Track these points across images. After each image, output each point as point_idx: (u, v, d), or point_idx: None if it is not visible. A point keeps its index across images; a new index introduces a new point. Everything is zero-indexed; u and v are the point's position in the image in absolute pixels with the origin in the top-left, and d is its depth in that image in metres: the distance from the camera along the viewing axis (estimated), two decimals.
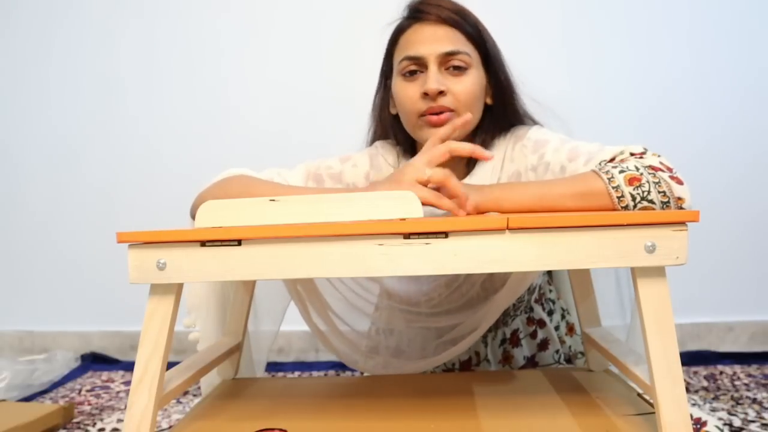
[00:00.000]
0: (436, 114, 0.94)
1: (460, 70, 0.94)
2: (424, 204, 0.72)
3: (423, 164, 0.80)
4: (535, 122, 1.03)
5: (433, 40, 0.94)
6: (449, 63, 0.94)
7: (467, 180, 0.99)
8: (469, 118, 0.89)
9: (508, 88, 1.01)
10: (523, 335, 1.16)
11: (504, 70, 1.01)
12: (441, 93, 0.93)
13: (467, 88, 0.94)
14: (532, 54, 1.62)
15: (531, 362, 1.16)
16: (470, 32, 0.96)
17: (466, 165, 1.02)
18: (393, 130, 1.05)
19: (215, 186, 0.90)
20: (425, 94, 0.93)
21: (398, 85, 0.98)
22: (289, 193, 0.84)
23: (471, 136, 1.00)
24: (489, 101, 1.01)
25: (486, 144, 1.01)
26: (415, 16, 0.97)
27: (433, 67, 0.94)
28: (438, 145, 0.82)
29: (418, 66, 0.95)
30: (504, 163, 1.00)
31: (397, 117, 1.03)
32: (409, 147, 1.05)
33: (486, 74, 0.99)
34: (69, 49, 1.93)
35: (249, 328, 1.05)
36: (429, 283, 1.07)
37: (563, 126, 1.01)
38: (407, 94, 0.96)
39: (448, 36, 0.94)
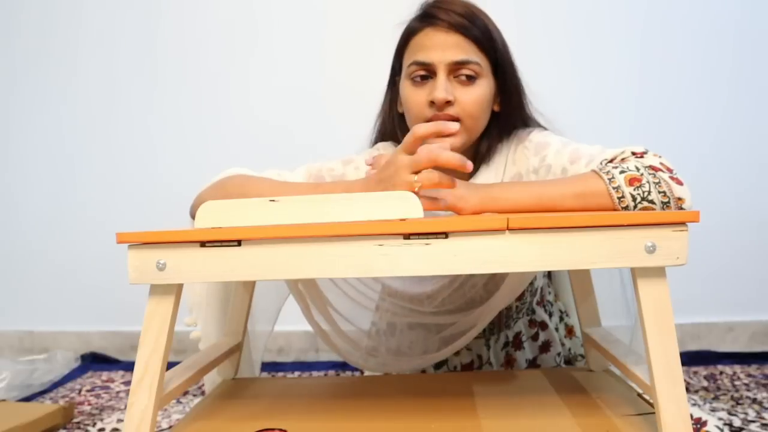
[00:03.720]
0: None
1: (469, 79, 0.93)
2: (425, 210, 0.71)
3: (408, 170, 0.76)
4: (540, 125, 1.03)
5: (443, 48, 0.93)
6: (458, 72, 0.93)
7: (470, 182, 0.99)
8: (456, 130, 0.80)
9: (517, 94, 1.00)
10: (526, 338, 1.16)
11: (514, 77, 0.99)
12: (448, 102, 0.92)
13: (475, 98, 0.93)
14: (533, 56, 1.62)
15: (533, 365, 1.16)
16: (481, 40, 0.94)
17: None
18: (399, 128, 1.04)
19: (214, 186, 0.90)
20: (432, 102, 0.93)
21: (406, 88, 0.97)
22: (288, 190, 0.84)
23: (476, 142, 1.00)
24: (496, 108, 1.00)
25: (490, 148, 1.00)
26: (426, 19, 0.96)
27: (441, 75, 0.93)
28: (423, 153, 0.76)
29: (427, 71, 0.94)
30: (506, 165, 1.00)
31: (403, 116, 1.02)
32: None
33: (495, 81, 0.98)
34: (68, 50, 1.93)
35: (247, 328, 1.05)
36: (432, 284, 1.07)
37: (565, 130, 1.01)
38: (415, 99, 0.95)
39: (458, 44, 0.93)
